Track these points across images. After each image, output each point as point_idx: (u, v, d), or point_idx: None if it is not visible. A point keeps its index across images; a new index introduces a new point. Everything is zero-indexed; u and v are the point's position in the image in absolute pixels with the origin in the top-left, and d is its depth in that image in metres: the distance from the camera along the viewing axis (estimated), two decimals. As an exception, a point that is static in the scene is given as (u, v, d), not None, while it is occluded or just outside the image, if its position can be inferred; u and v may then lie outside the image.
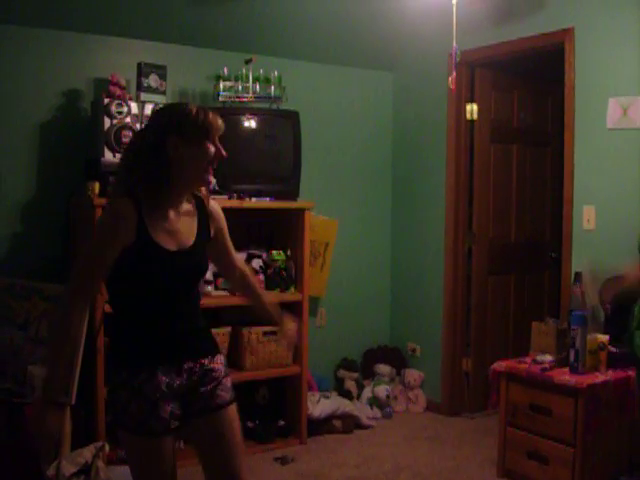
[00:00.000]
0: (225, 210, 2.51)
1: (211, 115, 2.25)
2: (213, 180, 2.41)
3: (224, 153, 2.27)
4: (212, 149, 2.24)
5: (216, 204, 2.46)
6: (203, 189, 2.39)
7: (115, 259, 2.18)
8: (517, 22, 4.57)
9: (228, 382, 2.41)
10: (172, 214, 2.28)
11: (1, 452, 3.64)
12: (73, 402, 3.68)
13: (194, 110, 2.24)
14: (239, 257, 2.64)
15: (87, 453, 3.47)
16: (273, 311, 2.62)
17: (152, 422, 2.21)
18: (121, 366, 2.26)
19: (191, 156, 2.22)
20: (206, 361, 2.36)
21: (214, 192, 4.15)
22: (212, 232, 2.42)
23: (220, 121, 2.27)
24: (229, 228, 2.51)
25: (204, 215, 2.38)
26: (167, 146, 2.19)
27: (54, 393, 2.19)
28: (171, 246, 2.25)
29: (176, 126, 2.21)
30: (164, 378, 2.25)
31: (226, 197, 4.25)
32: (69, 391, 3.58)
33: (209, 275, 4.21)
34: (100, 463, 3.47)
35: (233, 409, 2.40)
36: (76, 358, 2.64)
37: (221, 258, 2.54)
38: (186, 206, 2.33)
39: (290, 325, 2.61)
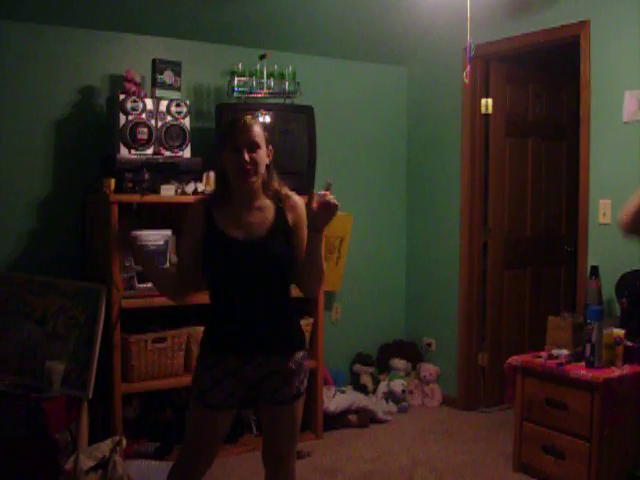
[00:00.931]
0: (241, 205, 2.64)
1: (230, 125, 2.57)
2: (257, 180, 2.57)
3: (244, 160, 2.49)
4: (233, 157, 2.51)
5: (299, 200, 2.63)
6: (285, 189, 2.63)
7: (199, 248, 2.57)
8: (532, 15, 4.55)
9: (296, 380, 2.62)
10: (244, 210, 2.57)
11: (20, 447, 3.67)
12: (90, 397, 3.72)
13: (227, 123, 2.64)
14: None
15: (104, 447, 3.50)
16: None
17: (211, 396, 2.56)
18: (202, 345, 2.65)
19: (226, 163, 2.55)
20: (278, 359, 2.58)
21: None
22: (291, 222, 2.60)
23: (244, 129, 2.52)
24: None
25: (281, 209, 2.60)
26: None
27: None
28: (238, 235, 2.53)
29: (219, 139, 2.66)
30: (233, 365, 2.55)
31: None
32: (86, 384, 3.61)
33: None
34: (117, 457, 3.50)
35: (294, 405, 2.63)
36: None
37: (297, 248, 2.61)
38: (264, 202, 2.60)
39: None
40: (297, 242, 2.59)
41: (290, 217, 2.60)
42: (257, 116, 2.72)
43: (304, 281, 2.60)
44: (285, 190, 2.63)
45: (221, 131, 2.72)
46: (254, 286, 2.54)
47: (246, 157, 2.49)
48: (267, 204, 2.59)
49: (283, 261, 2.56)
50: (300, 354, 2.63)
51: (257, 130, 2.55)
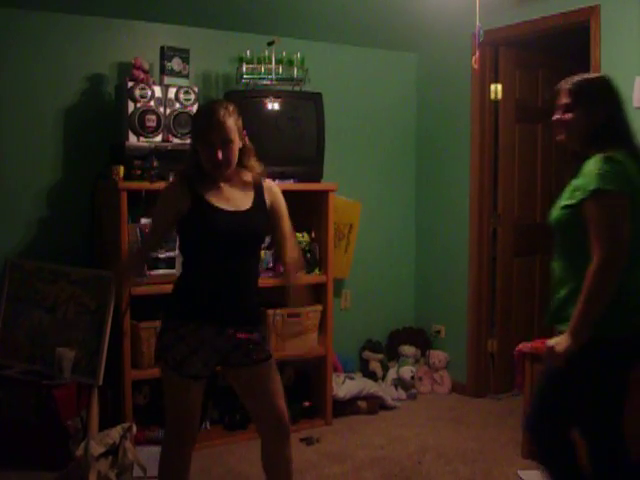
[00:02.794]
0: (249, 192, 2.76)
1: (203, 119, 2.69)
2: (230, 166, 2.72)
3: (217, 157, 2.62)
4: (206, 151, 2.64)
5: (271, 182, 2.89)
6: (257, 167, 2.79)
7: (174, 222, 2.69)
8: (541, 0, 4.52)
9: (264, 348, 2.79)
10: (225, 186, 2.71)
11: (31, 433, 3.70)
12: (100, 383, 3.74)
13: (200, 114, 2.85)
14: (297, 249, 2.97)
15: (115, 434, 3.52)
16: (288, 265, 2.82)
17: (186, 365, 2.65)
18: (173, 314, 2.74)
19: (200, 153, 2.68)
20: (245, 333, 2.72)
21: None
22: (268, 203, 2.79)
23: (217, 126, 2.62)
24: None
25: (259, 189, 2.78)
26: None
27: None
28: (226, 207, 2.66)
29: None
30: (207, 334, 2.67)
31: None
32: (96, 371, 3.63)
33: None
34: (128, 444, 3.52)
35: (269, 364, 2.79)
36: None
37: (276, 227, 2.84)
38: (243, 179, 2.75)
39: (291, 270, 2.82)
40: (277, 221, 2.82)
41: (267, 197, 2.80)
42: (225, 102, 2.76)
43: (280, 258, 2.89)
44: (260, 175, 2.81)
45: (194, 120, 2.89)
46: (234, 258, 2.68)
47: (219, 155, 2.62)
48: (246, 181, 2.76)
49: (262, 234, 2.84)
50: (263, 329, 2.86)
51: (230, 125, 2.64)
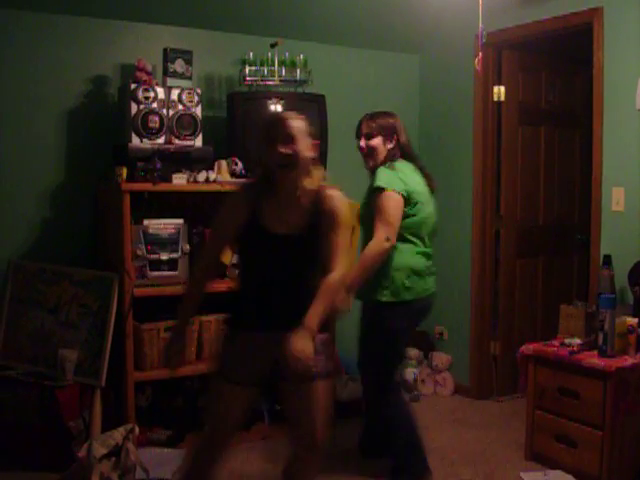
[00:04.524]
0: (251, 194, 2.68)
1: (268, 122, 2.70)
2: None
3: (280, 152, 2.58)
4: (269, 149, 2.61)
5: (333, 191, 2.70)
6: (319, 177, 2.68)
7: (234, 234, 2.67)
8: (544, 2, 4.51)
9: (320, 360, 2.66)
10: (285, 203, 2.63)
11: (33, 434, 3.70)
12: (103, 385, 3.74)
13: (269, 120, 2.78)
14: (340, 265, 2.72)
15: (117, 435, 3.51)
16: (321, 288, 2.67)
17: (235, 371, 2.65)
18: (229, 321, 2.78)
19: (267, 156, 2.63)
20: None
21: (240, 177, 4.17)
22: (323, 226, 2.65)
23: (278, 118, 2.69)
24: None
25: (318, 209, 2.64)
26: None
27: (180, 321, 2.80)
28: (279, 230, 2.61)
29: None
30: (260, 342, 2.64)
31: (252, 181, 4.26)
32: (99, 373, 3.63)
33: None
34: (130, 445, 3.51)
35: (321, 384, 2.68)
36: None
37: (323, 254, 2.69)
38: (304, 197, 2.63)
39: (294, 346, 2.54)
40: (324, 244, 2.66)
41: (324, 220, 2.65)
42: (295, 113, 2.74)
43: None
44: (325, 190, 2.68)
45: (262, 125, 2.75)
46: (285, 274, 2.65)
47: (282, 149, 2.57)
48: (307, 200, 2.64)
49: (316, 257, 2.67)
50: (322, 337, 2.69)
51: (297, 125, 2.63)
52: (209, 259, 2.79)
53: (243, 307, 2.72)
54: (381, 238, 3.43)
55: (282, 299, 2.65)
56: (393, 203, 3.48)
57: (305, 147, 2.62)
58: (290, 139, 2.58)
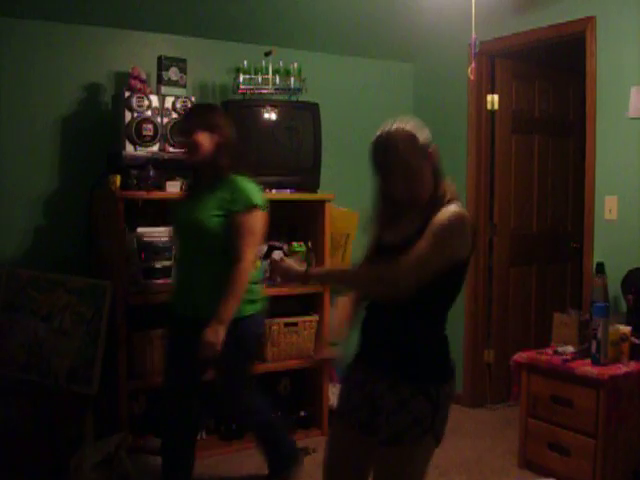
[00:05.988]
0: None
1: (377, 147, 2.63)
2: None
3: (386, 189, 2.51)
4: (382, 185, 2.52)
5: (448, 210, 2.32)
6: (448, 203, 2.36)
7: None
8: (537, 11, 4.54)
9: (400, 418, 2.26)
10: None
11: (26, 442, 3.69)
12: (96, 393, 3.73)
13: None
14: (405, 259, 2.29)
15: (110, 443, 3.51)
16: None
17: (340, 405, 2.50)
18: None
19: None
20: (385, 384, 2.30)
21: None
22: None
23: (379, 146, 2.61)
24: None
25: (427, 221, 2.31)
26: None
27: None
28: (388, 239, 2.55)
29: None
30: (358, 375, 2.42)
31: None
32: (92, 381, 3.62)
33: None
34: (123, 453, 3.51)
35: (388, 450, 2.31)
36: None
37: None
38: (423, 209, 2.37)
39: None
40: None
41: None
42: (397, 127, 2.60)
43: None
44: (446, 206, 2.34)
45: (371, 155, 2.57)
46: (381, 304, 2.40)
47: (387, 187, 2.43)
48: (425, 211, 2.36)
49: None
50: (410, 390, 2.27)
51: (399, 147, 2.45)
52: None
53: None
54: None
55: (376, 330, 2.42)
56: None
57: (415, 173, 2.46)
58: (394, 169, 2.45)
